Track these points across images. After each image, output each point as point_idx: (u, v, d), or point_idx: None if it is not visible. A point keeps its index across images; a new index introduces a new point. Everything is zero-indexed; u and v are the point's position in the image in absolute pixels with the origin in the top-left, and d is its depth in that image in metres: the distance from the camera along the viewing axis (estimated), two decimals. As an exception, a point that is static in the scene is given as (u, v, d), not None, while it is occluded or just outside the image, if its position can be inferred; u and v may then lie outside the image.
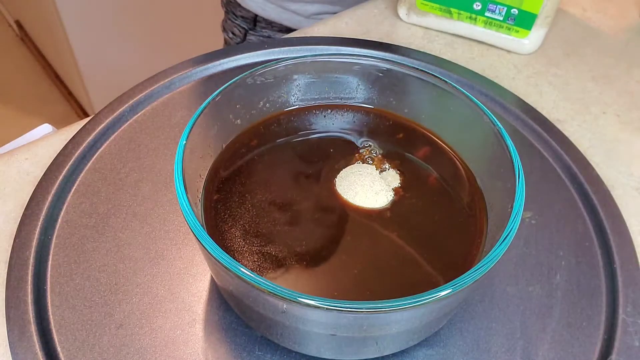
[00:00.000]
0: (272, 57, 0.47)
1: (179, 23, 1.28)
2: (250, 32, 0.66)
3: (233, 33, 0.68)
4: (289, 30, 0.64)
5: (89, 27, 1.24)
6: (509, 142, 0.29)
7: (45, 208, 0.36)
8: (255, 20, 0.65)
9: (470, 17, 0.50)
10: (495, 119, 0.30)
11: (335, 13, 0.61)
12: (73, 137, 0.40)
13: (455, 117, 0.33)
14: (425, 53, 0.48)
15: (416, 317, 0.26)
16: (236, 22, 0.67)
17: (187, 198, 0.26)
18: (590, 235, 0.37)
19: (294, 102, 0.36)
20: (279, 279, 0.28)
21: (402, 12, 0.53)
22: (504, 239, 0.25)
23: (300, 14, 0.61)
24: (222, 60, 0.46)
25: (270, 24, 0.65)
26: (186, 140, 0.28)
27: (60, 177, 0.37)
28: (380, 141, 0.35)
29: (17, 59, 1.71)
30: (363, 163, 0.33)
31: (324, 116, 0.36)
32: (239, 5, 0.65)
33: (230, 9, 0.67)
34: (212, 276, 0.33)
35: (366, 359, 0.30)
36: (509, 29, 0.50)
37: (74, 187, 0.37)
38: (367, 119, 0.36)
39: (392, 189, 0.32)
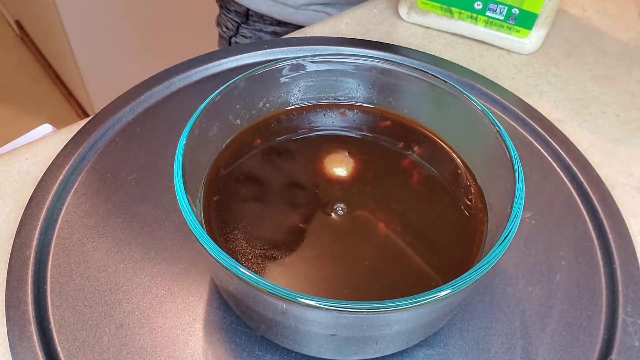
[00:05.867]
0: (272, 57, 0.47)
1: (179, 23, 1.28)
2: (242, 25, 0.67)
3: (226, 27, 0.69)
4: (281, 23, 0.64)
5: (89, 27, 1.24)
6: (509, 142, 0.29)
7: (45, 208, 0.36)
8: (247, 14, 0.66)
9: (471, 17, 0.50)
10: (495, 119, 0.30)
11: (325, 4, 0.62)
12: (73, 137, 0.40)
13: (455, 117, 0.33)
14: (425, 53, 0.48)
15: (416, 317, 0.26)
16: (229, 16, 0.68)
17: (187, 198, 0.26)
18: (590, 235, 0.37)
19: (294, 102, 0.36)
20: (279, 279, 0.28)
21: (402, 11, 0.53)
22: (504, 239, 0.25)
23: (290, 5, 0.61)
24: (222, 60, 0.46)
25: (262, 17, 0.65)
26: (186, 140, 0.28)
27: (60, 177, 0.37)
28: (379, 141, 0.35)
29: (17, 59, 1.71)
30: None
31: (324, 115, 0.36)
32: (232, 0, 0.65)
33: (224, 4, 0.68)
34: (212, 276, 0.33)
35: (366, 359, 0.30)
36: (510, 28, 0.50)
37: (74, 187, 0.37)
38: (367, 119, 0.36)
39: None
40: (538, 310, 0.33)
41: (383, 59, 0.34)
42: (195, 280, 0.33)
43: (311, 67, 0.34)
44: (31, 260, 0.33)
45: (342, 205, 0.31)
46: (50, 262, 0.34)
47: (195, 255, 0.34)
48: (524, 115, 0.44)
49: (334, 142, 0.35)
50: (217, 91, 0.31)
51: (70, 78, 1.48)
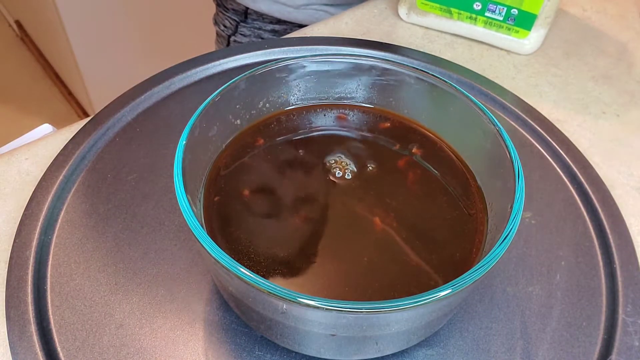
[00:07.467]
0: (272, 57, 0.47)
1: (179, 23, 1.28)
2: (241, 23, 0.67)
3: (224, 25, 0.69)
4: (280, 21, 0.64)
5: (89, 27, 1.24)
6: (509, 142, 0.29)
7: (45, 208, 0.36)
8: (246, 13, 0.65)
9: (471, 17, 0.50)
10: (495, 119, 0.30)
11: (324, 4, 0.62)
12: (73, 137, 0.40)
13: (455, 117, 0.33)
14: (425, 53, 0.48)
15: (416, 317, 0.26)
16: (227, 14, 0.67)
17: (187, 198, 0.26)
18: (590, 235, 0.37)
19: (294, 102, 0.36)
20: (279, 279, 0.28)
21: (402, 11, 0.53)
22: (504, 239, 0.25)
23: (289, 5, 0.61)
24: (222, 60, 0.46)
25: (261, 16, 0.65)
26: (186, 140, 0.28)
27: (60, 177, 0.37)
28: (379, 141, 0.35)
29: (17, 59, 1.71)
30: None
31: (324, 115, 0.36)
32: None
33: (221, 2, 0.68)
34: (212, 276, 0.33)
35: (366, 359, 0.30)
36: (509, 29, 0.50)
37: (74, 187, 0.37)
38: (367, 119, 0.36)
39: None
40: (538, 310, 0.33)
41: (383, 59, 0.34)
42: (195, 280, 0.33)
43: (311, 67, 0.34)
44: (31, 260, 0.33)
45: (342, 206, 0.31)
46: (50, 262, 0.34)
47: (195, 255, 0.34)
48: (524, 115, 0.44)
49: (334, 142, 0.35)
50: (217, 91, 0.31)
51: (70, 78, 1.49)
